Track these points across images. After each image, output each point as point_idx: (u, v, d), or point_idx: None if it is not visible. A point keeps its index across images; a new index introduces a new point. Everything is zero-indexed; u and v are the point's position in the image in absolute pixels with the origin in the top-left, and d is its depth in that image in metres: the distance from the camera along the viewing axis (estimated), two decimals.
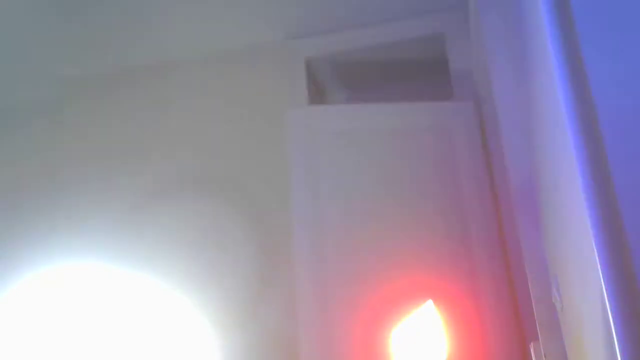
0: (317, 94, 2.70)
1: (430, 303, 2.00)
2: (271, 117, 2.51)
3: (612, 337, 0.96)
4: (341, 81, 2.79)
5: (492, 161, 2.22)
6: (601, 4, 1.10)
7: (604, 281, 0.97)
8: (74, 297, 2.45)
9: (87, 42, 2.60)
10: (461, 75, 2.50)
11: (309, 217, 2.21)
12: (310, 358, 2.03)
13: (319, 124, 2.35)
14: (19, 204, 2.66)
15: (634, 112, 1.03)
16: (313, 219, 2.20)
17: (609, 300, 0.96)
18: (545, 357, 1.61)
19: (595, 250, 1.00)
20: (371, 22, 2.62)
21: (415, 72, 2.72)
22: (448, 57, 2.55)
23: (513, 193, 1.80)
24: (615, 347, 0.95)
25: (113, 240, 2.50)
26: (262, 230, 2.42)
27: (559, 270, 1.47)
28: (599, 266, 0.98)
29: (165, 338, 2.37)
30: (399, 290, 2.07)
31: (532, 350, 1.70)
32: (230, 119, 2.61)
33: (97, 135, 2.70)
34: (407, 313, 2.02)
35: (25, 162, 2.74)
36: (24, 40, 2.53)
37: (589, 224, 1.01)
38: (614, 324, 0.95)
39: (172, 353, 2.35)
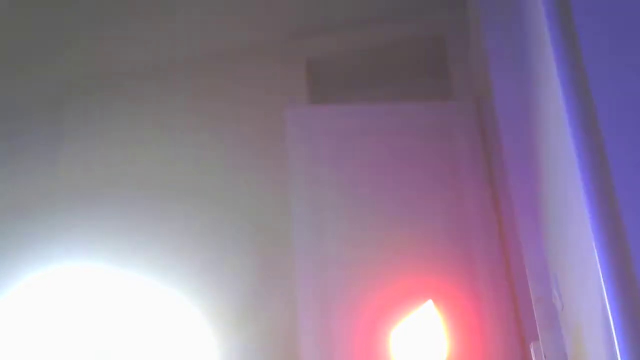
0: (318, 94, 2.70)
1: (430, 303, 2.00)
2: (271, 117, 2.51)
3: (612, 337, 0.96)
4: (341, 81, 2.78)
5: (492, 161, 2.22)
6: (602, 4, 1.10)
7: (604, 281, 0.97)
8: (73, 298, 2.45)
9: (87, 42, 2.60)
10: (461, 75, 2.50)
11: (309, 217, 2.21)
12: (310, 358, 2.03)
13: (319, 124, 2.35)
14: (18, 204, 2.66)
15: (634, 112, 1.03)
16: (313, 219, 2.20)
17: (609, 300, 0.96)
18: (545, 357, 1.61)
19: (595, 250, 1.00)
20: (371, 22, 2.62)
21: (416, 72, 2.72)
22: (448, 57, 2.55)
23: (513, 193, 1.80)
24: (615, 347, 0.95)
25: (113, 242, 2.49)
26: (262, 231, 2.41)
27: (559, 270, 1.47)
28: (599, 266, 0.99)
29: (165, 339, 2.37)
30: (399, 290, 2.07)
31: (532, 350, 1.70)
32: (230, 119, 2.61)
33: (97, 136, 2.69)
34: (407, 313, 2.01)
35: (25, 162, 2.74)
36: (24, 40, 2.53)
37: (589, 224, 1.01)
38: (614, 324, 0.95)
39: (172, 354, 2.35)
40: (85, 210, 2.57)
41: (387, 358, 1.99)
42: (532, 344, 1.70)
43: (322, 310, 2.09)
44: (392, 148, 2.31)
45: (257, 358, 2.26)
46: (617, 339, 0.95)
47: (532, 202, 1.69)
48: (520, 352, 1.95)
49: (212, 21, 2.56)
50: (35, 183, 2.69)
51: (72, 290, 2.46)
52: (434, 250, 2.14)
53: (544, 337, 1.61)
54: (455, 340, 1.99)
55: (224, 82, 2.67)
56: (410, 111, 2.39)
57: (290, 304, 2.15)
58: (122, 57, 2.70)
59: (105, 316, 2.42)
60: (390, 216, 2.20)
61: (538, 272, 1.65)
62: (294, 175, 2.27)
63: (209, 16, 2.53)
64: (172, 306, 2.39)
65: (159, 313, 2.40)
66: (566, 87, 1.09)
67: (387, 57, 2.70)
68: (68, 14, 2.44)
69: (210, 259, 2.42)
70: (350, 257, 2.15)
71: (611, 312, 0.96)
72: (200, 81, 2.70)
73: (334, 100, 2.77)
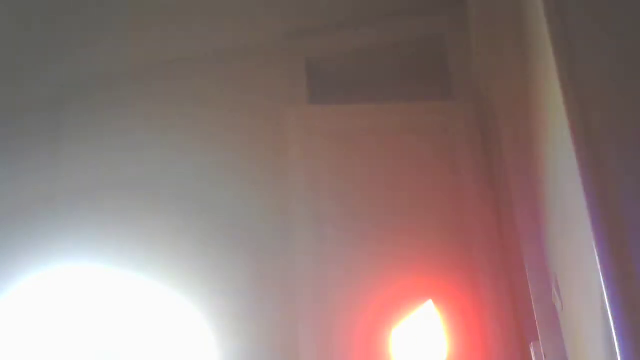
0: (318, 94, 2.70)
1: (430, 303, 2.00)
2: (271, 117, 2.51)
3: (612, 337, 0.96)
4: (341, 81, 2.78)
5: (492, 161, 2.22)
6: (602, 4, 1.10)
7: (604, 281, 0.97)
8: (73, 299, 2.45)
9: (87, 42, 2.60)
10: (461, 75, 2.50)
11: (309, 217, 2.21)
12: (310, 358, 2.03)
13: (319, 124, 2.35)
14: (18, 204, 2.66)
15: (634, 112, 1.03)
16: (313, 219, 2.20)
17: (609, 300, 0.96)
18: (545, 357, 1.61)
19: (595, 250, 1.00)
20: (371, 22, 2.61)
21: (415, 72, 2.72)
22: (448, 57, 2.55)
23: (513, 193, 1.80)
24: (615, 347, 0.95)
25: (113, 243, 2.49)
26: (262, 230, 2.41)
27: (559, 270, 1.47)
28: (599, 266, 0.99)
29: (165, 339, 2.37)
30: (399, 290, 2.07)
31: (532, 350, 1.70)
32: (230, 119, 2.61)
33: (97, 136, 2.69)
34: (407, 313, 2.02)
35: (24, 162, 2.74)
36: (24, 40, 2.53)
37: (589, 224, 1.01)
38: (614, 324, 0.95)
39: (172, 355, 2.35)
40: (85, 211, 2.57)
41: (387, 358, 1.99)
42: (532, 344, 1.71)
43: (322, 311, 2.09)
44: (392, 148, 2.31)
45: (257, 359, 2.26)
46: (617, 339, 0.95)
47: (532, 202, 1.69)
48: (520, 352, 1.95)
49: (211, 21, 2.55)
50: (35, 184, 2.69)
51: (72, 291, 2.46)
52: (434, 250, 2.13)
53: (544, 337, 1.61)
54: (455, 340, 1.99)
55: (223, 82, 2.67)
56: (410, 111, 2.39)
57: (290, 304, 2.15)
58: (122, 58, 2.70)
59: (105, 317, 2.42)
60: (390, 216, 2.20)
61: (538, 272, 1.65)
62: (294, 174, 2.27)
63: (209, 16, 2.52)
64: (172, 307, 2.39)
65: (158, 314, 2.40)
66: (566, 87, 1.09)
67: (386, 57, 2.69)
68: (68, 14, 2.43)
69: (209, 259, 2.42)
70: (350, 257, 2.15)
71: (611, 312, 0.96)
72: (199, 81, 2.69)
73: (334, 100, 2.77)
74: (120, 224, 2.52)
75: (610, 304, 0.96)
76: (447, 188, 2.23)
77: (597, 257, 0.99)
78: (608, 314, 0.96)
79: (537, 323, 1.64)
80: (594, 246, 1.00)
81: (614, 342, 0.95)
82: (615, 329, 0.95)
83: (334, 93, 2.79)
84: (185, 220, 2.49)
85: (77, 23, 2.49)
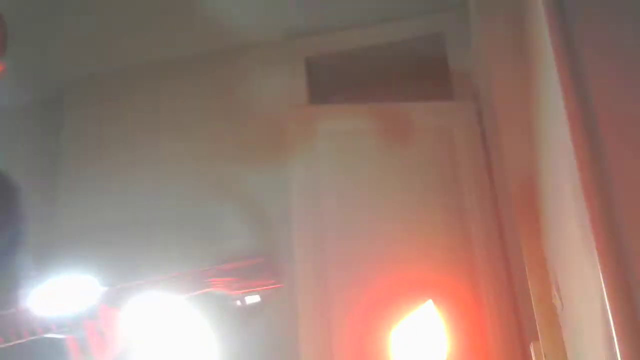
0: (317, 94, 2.70)
1: (430, 303, 2.00)
2: (271, 117, 2.51)
3: (612, 337, 0.96)
4: (341, 81, 2.78)
5: (492, 161, 2.22)
6: (601, 4, 1.10)
7: (603, 281, 0.98)
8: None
9: (87, 42, 2.60)
10: (461, 75, 2.50)
11: (309, 216, 2.21)
12: (310, 358, 2.03)
13: (319, 124, 2.35)
14: None
15: (634, 112, 1.03)
16: (313, 219, 2.20)
17: (609, 300, 0.96)
18: (545, 357, 1.61)
19: (595, 250, 1.00)
20: (371, 22, 2.61)
21: (415, 72, 2.72)
22: (448, 57, 2.55)
23: (513, 193, 1.80)
24: (615, 347, 0.95)
25: (114, 239, 2.49)
26: (262, 230, 2.41)
27: (559, 270, 1.47)
28: (598, 266, 0.99)
29: (166, 338, 2.37)
30: (399, 289, 2.07)
31: (532, 350, 1.70)
32: (231, 119, 2.61)
33: (97, 136, 2.69)
34: (407, 312, 2.01)
35: (24, 162, 2.74)
36: (24, 40, 2.53)
37: (588, 225, 1.01)
38: (614, 324, 0.95)
39: (172, 354, 2.35)
40: (86, 209, 2.57)
41: (387, 358, 1.99)
42: (532, 344, 1.71)
43: (322, 310, 2.09)
44: (392, 148, 2.31)
45: (257, 358, 2.26)
46: (616, 339, 0.95)
47: (532, 202, 1.69)
48: (520, 352, 1.95)
49: (212, 21, 2.56)
50: (36, 183, 2.68)
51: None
52: (434, 250, 2.13)
53: (544, 337, 1.61)
54: (455, 340, 1.99)
55: (224, 82, 2.67)
56: (410, 111, 2.39)
57: (290, 304, 2.15)
58: (122, 58, 2.70)
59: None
60: (390, 216, 2.20)
61: (538, 272, 1.65)
62: (294, 174, 2.28)
63: (209, 17, 2.53)
64: (172, 305, 2.39)
65: (159, 312, 2.39)
66: (566, 86, 1.09)
67: (387, 57, 2.70)
68: (68, 13, 2.44)
69: (210, 260, 2.41)
70: (350, 256, 2.15)
71: (611, 312, 0.96)
72: (199, 81, 2.69)
73: (334, 100, 2.77)
74: (121, 223, 2.52)
75: (610, 304, 0.96)
76: (447, 188, 2.23)
77: (597, 257, 0.99)
78: (608, 314, 0.96)
79: (537, 323, 1.64)
80: (594, 246, 1.00)
81: (614, 342, 0.95)
82: (615, 329, 0.95)
83: (334, 93, 2.79)
84: (184, 220, 2.49)
85: (79, 23, 2.49)
